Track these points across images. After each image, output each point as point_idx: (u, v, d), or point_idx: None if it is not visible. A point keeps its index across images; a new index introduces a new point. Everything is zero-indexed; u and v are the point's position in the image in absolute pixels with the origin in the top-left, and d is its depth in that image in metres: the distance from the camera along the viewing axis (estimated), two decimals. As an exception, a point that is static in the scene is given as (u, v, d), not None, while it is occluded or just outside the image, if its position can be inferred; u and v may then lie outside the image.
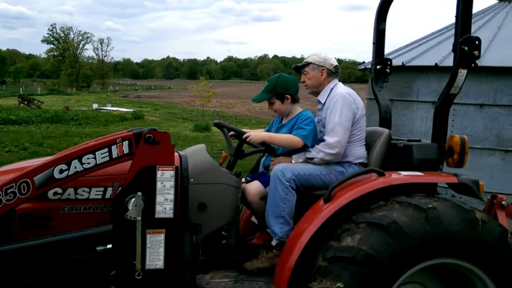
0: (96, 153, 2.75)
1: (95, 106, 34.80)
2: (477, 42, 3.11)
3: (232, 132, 3.57)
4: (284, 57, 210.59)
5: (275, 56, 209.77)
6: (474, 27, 8.71)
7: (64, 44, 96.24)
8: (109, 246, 2.76)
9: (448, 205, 2.87)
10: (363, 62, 10.30)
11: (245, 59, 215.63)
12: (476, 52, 3.11)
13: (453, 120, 8.07)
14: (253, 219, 3.82)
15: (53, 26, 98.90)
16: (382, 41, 4.11)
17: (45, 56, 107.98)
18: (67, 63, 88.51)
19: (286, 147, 3.53)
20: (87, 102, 42.91)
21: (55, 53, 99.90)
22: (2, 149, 13.50)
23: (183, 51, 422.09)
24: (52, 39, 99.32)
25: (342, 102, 3.37)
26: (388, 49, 4.37)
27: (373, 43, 4.11)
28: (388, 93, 9.76)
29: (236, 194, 3.26)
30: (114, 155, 2.77)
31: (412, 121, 8.57)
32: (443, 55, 8.06)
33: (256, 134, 3.47)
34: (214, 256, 3.33)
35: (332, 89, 3.55)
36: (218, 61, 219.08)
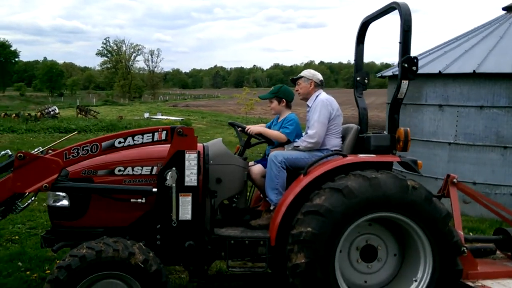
0: (144, 135, 4.18)
1: (146, 115, 36.96)
2: (415, 60, 4.25)
3: (240, 129, 4.91)
4: (331, 63, 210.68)
5: (321, 63, 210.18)
6: (479, 38, 9.75)
7: (117, 57, 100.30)
8: (144, 200, 4.12)
9: (388, 176, 4.07)
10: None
11: (291, 66, 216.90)
12: (414, 68, 4.25)
13: (457, 121, 9.09)
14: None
15: (107, 39, 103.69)
16: (361, 58, 5.26)
17: (99, 68, 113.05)
18: (120, 74, 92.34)
19: (275, 140, 4.82)
20: (139, 111, 45.40)
21: (109, 65, 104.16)
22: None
23: (230, 60, 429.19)
24: (105, 52, 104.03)
25: (321, 105, 4.63)
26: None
27: (354, 60, 5.29)
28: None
29: (243, 173, 4.58)
30: (155, 138, 4.21)
31: (422, 122, 9.59)
32: (447, 63, 9.08)
33: (254, 127, 4.87)
34: (228, 216, 4.65)
35: (317, 96, 4.81)
36: (265, 69, 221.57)
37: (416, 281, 4.19)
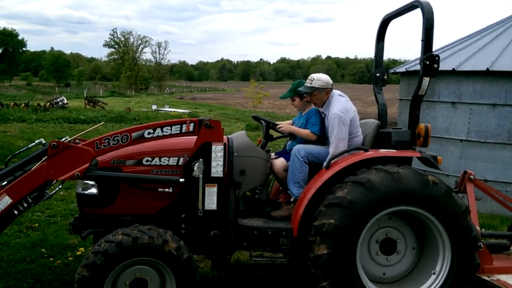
0: (172, 126, 4.30)
1: (154, 107, 37.07)
2: (436, 58, 4.32)
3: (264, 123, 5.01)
4: (337, 57, 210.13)
5: (328, 57, 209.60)
6: (492, 36, 9.79)
7: (124, 48, 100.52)
8: (170, 189, 4.24)
9: (409, 171, 4.17)
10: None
11: (298, 61, 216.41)
12: (435, 65, 4.32)
13: (469, 118, 9.16)
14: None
15: (114, 31, 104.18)
16: (381, 55, 5.33)
17: (106, 59, 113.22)
18: (127, 66, 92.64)
19: (305, 138, 4.88)
20: (146, 103, 45.54)
21: (116, 57, 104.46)
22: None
23: (236, 53, 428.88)
24: (113, 43, 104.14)
25: (338, 121, 4.53)
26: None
27: (374, 57, 5.36)
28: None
29: (266, 165, 4.69)
30: (183, 130, 4.32)
31: (435, 119, 9.64)
32: (460, 60, 9.14)
33: (286, 126, 4.91)
34: (250, 207, 4.77)
35: (330, 102, 4.73)
36: (271, 63, 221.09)
37: (434, 274, 4.30)
